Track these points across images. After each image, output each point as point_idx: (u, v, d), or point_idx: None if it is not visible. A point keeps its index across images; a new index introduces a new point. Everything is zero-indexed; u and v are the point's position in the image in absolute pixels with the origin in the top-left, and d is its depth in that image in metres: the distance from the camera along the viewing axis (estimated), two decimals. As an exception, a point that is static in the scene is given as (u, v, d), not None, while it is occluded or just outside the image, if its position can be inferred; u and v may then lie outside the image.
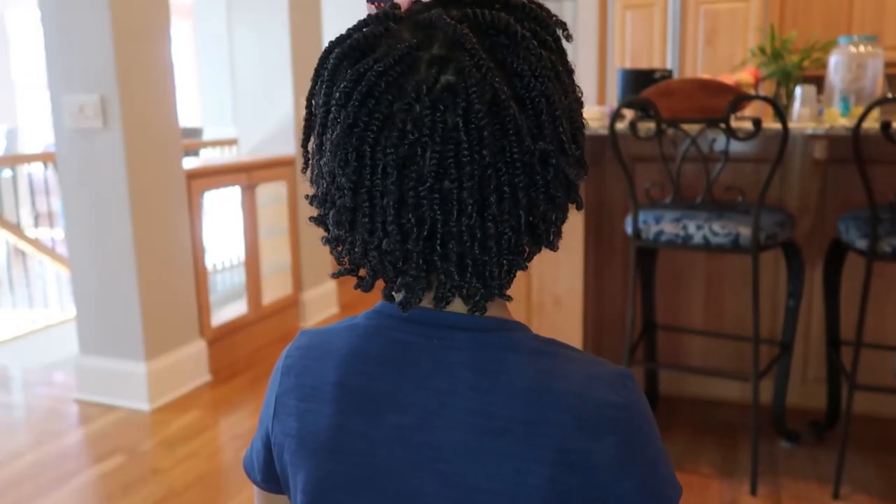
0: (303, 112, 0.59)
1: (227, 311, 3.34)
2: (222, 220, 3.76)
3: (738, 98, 1.97)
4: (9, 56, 8.14)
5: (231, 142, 4.85)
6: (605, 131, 2.13)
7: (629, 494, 0.55)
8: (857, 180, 1.93)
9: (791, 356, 2.30)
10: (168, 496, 2.14)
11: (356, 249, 0.56)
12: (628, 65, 4.17)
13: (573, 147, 0.56)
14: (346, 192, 0.54)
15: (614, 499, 0.55)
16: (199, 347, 2.98)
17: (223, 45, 5.06)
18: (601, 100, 4.39)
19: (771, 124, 2.06)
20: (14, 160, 5.25)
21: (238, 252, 3.59)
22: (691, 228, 2.08)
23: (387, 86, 0.52)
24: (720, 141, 2.10)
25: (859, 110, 2.06)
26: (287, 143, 3.58)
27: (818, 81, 2.39)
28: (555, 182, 0.54)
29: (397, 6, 0.56)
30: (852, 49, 2.25)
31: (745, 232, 2.02)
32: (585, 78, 4.39)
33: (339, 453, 0.58)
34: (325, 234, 0.59)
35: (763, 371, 2.13)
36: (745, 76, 2.38)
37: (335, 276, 0.59)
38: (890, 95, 2.08)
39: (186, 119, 5.49)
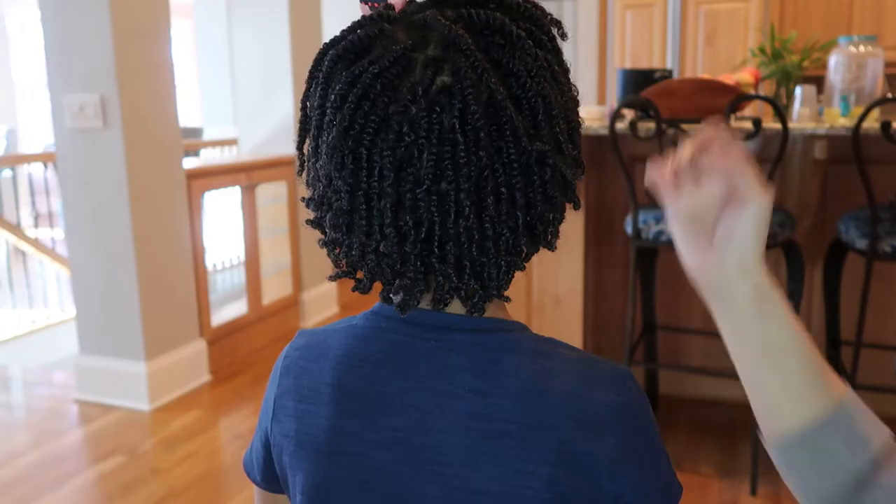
0: None
1: (227, 311, 3.35)
2: (222, 220, 3.76)
3: (738, 98, 1.97)
4: (9, 56, 8.14)
5: (231, 142, 4.85)
6: (605, 131, 2.13)
7: (629, 494, 0.55)
8: (857, 180, 1.93)
9: (791, 356, 2.29)
10: (168, 496, 2.14)
11: (353, 252, 0.55)
12: (628, 65, 4.17)
13: (570, 147, 0.55)
14: (342, 194, 0.53)
15: (614, 499, 0.55)
16: (199, 347, 2.98)
17: (223, 45, 5.06)
18: (601, 100, 4.39)
19: (771, 124, 2.06)
20: (14, 160, 5.25)
21: (238, 252, 3.59)
22: (691, 228, 2.07)
23: (382, 88, 0.52)
24: (720, 141, 2.10)
25: (859, 110, 2.06)
26: (287, 143, 3.57)
27: (818, 81, 2.39)
28: (552, 182, 0.54)
29: (392, 7, 0.55)
30: (852, 49, 2.25)
31: (745, 232, 2.01)
32: (585, 78, 4.39)
33: (337, 455, 0.58)
34: (322, 236, 0.59)
35: (763, 371, 2.13)
36: (745, 76, 2.38)
37: (332, 278, 0.58)
38: (890, 95, 2.08)
39: (186, 119, 5.49)
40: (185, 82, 6.44)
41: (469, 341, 0.56)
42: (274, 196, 3.54)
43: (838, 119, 2.17)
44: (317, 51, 0.57)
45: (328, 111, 0.54)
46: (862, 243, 1.97)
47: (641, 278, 2.43)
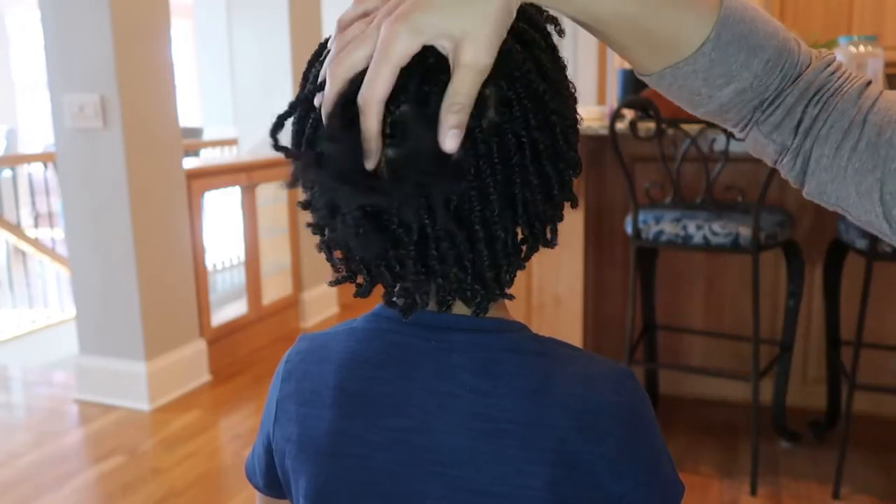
0: None
1: (227, 311, 3.35)
2: (222, 220, 3.76)
3: (738, 98, 1.96)
4: (9, 56, 8.14)
5: (231, 142, 4.85)
6: (605, 131, 2.13)
7: (631, 494, 0.55)
8: (857, 180, 1.92)
9: (791, 356, 2.30)
10: (168, 496, 2.14)
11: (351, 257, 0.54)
12: (628, 65, 4.16)
13: (566, 146, 0.55)
14: None
15: (616, 499, 0.55)
16: (199, 347, 2.98)
17: (223, 45, 5.05)
18: (601, 100, 4.39)
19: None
20: (14, 160, 5.26)
21: (238, 252, 3.59)
22: (691, 228, 2.08)
23: None
24: (720, 141, 2.10)
25: (859, 110, 2.05)
26: (287, 144, 3.56)
27: (818, 81, 2.39)
28: (548, 180, 0.54)
29: None
30: (852, 49, 2.25)
31: (745, 232, 2.02)
32: (585, 78, 4.39)
33: (340, 457, 0.58)
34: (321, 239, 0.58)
35: (763, 371, 2.13)
36: (745, 76, 2.38)
37: (333, 283, 0.58)
38: (890, 95, 2.08)
39: (186, 119, 5.49)
40: (185, 82, 6.44)
41: (470, 341, 0.56)
42: (274, 196, 3.54)
43: (838, 119, 2.17)
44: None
45: None
46: (862, 243, 1.97)
47: (641, 278, 2.43)
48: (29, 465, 2.35)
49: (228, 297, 3.59)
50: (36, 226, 5.22)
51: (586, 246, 2.40)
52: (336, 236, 0.52)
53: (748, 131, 0.57)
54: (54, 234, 5.09)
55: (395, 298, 0.56)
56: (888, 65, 2.37)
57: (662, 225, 2.12)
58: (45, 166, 4.79)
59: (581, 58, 4.37)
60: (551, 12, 0.54)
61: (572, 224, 2.27)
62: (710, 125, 1.98)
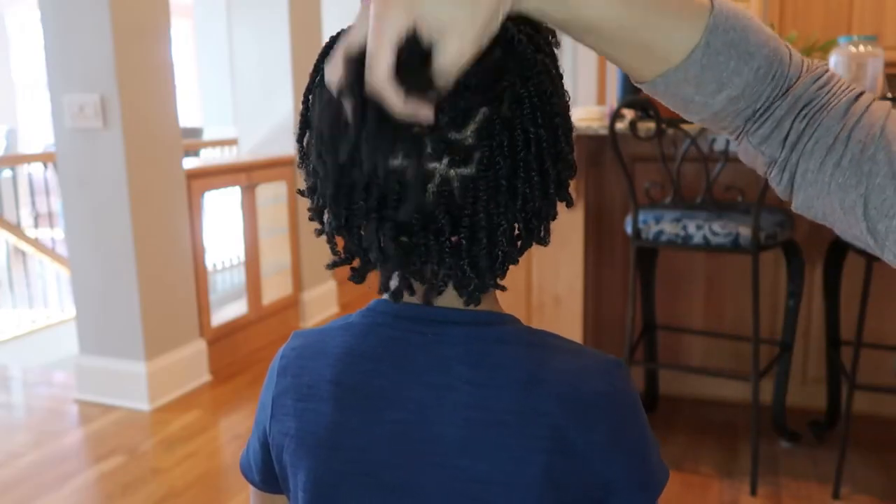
0: None
1: (227, 311, 3.35)
2: (222, 220, 3.76)
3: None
4: (9, 56, 8.14)
5: (231, 142, 4.85)
6: (605, 131, 2.13)
7: (620, 478, 0.57)
8: (857, 180, 1.92)
9: (791, 356, 2.30)
10: (168, 496, 2.14)
11: (353, 240, 0.56)
12: (628, 65, 4.16)
13: (567, 148, 0.57)
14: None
15: (606, 483, 0.57)
16: (199, 347, 2.98)
17: (223, 45, 5.06)
18: (601, 100, 4.39)
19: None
20: (14, 160, 5.25)
21: (238, 252, 3.59)
22: (691, 228, 2.08)
23: None
24: (720, 141, 2.10)
25: (859, 110, 2.05)
26: (287, 143, 3.57)
27: (818, 81, 2.39)
28: (547, 178, 0.55)
29: None
30: (852, 49, 2.25)
31: (745, 232, 2.02)
32: (585, 78, 4.39)
33: (339, 450, 0.59)
34: (319, 226, 0.59)
35: (763, 371, 2.13)
36: (745, 76, 2.38)
37: (331, 266, 0.59)
38: (890, 95, 2.08)
39: (186, 119, 5.49)
40: (185, 82, 6.44)
41: (465, 334, 0.58)
42: (274, 196, 3.54)
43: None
44: (317, 51, 0.57)
45: None
46: (862, 243, 1.97)
47: (641, 278, 2.43)
48: (29, 465, 2.35)
49: (228, 297, 3.59)
50: (36, 226, 5.21)
51: (586, 246, 2.40)
52: (347, 218, 0.54)
53: (740, 142, 0.59)
54: (54, 234, 5.09)
55: (389, 283, 0.58)
56: (888, 65, 2.36)
57: (662, 225, 2.12)
58: (45, 166, 4.79)
59: (581, 58, 4.37)
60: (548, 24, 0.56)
61: (572, 224, 2.27)
62: (710, 125, 1.98)
